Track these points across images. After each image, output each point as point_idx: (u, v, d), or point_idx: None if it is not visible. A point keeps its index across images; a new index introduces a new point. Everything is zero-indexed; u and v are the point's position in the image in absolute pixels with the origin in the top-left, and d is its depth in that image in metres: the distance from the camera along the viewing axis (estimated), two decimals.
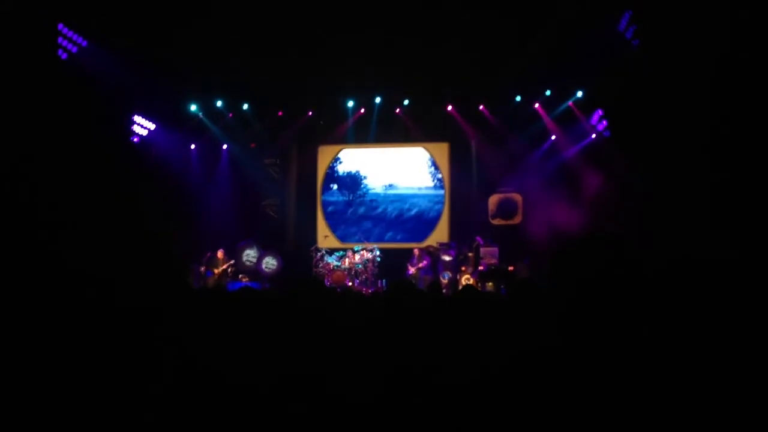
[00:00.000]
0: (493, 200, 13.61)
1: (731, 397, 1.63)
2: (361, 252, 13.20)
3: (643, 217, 9.18)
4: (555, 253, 1.84)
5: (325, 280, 12.79)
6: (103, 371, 1.60)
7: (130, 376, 1.63)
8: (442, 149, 14.47)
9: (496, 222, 13.53)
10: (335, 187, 14.86)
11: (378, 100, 13.50)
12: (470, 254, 12.70)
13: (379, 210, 14.58)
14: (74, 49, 9.77)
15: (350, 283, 12.75)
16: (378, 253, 13.21)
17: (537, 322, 1.94)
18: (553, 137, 13.14)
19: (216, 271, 12.65)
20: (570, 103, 12.61)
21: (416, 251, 12.96)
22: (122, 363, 1.64)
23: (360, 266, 13.08)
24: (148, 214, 10.50)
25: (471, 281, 12.02)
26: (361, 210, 14.66)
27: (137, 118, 12.00)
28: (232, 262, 12.97)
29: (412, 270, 12.68)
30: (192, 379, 1.74)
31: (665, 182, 8.56)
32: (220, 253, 12.77)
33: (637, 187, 9.69)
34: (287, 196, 14.72)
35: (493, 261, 12.37)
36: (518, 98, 12.89)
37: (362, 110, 13.83)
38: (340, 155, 14.87)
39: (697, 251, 6.55)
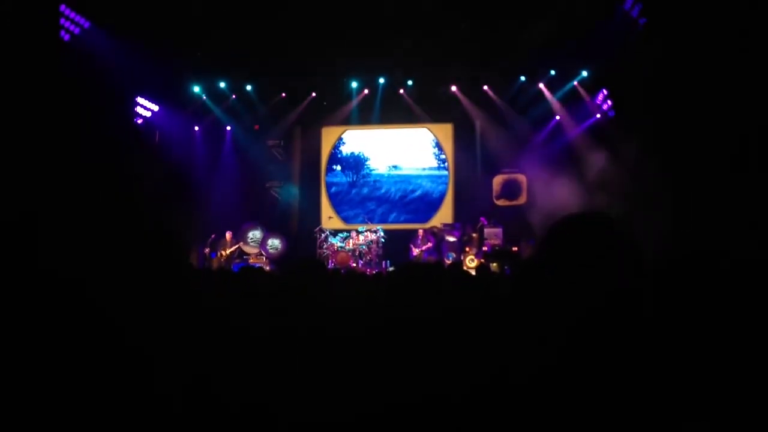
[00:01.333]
0: (498, 181, 13.59)
1: (732, 399, 1.58)
2: (366, 233, 13.22)
3: (646, 198, 9.16)
4: (548, 237, 1.78)
5: (330, 261, 12.84)
6: (86, 370, 1.58)
7: (111, 375, 1.61)
8: (446, 130, 14.42)
9: (500, 202, 13.52)
10: (339, 168, 14.85)
11: (382, 80, 13.42)
12: (474, 235, 12.72)
13: (383, 191, 14.58)
14: (77, 31, 9.72)
15: (354, 264, 12.78)
16: (382, 233, 13.23)
17: (541, 314, 1.88)
18: (558, 117, 13.07)
19: (223, 252, 12.71)
20: (575, 82, 12.52)
21: (420, 232, 12.97)
22: (105, 361, 1.62)
23: (364, 247, 13.11)
24: (151, 196, 10.50)
25: (475, 262, 12.03)
26: (365, 191, 14.65)
27: (140, 100, 11.99)
28: (240, 244, 13.03)
29: (415, 251, 12.71)
30: (173, 382, 1.72)
31: (669, 163, 8.52)
32: (228, 235, 12.83)
33: (641, 167, 9.64)
34: (291, 177, 14.72)
35: (498, 242, 12.39)
36: (522, 78, 12.80)
37: (366, 91, 13.76)
38: (343, 136, 14.83)
39: (699, 239, 6.54)
